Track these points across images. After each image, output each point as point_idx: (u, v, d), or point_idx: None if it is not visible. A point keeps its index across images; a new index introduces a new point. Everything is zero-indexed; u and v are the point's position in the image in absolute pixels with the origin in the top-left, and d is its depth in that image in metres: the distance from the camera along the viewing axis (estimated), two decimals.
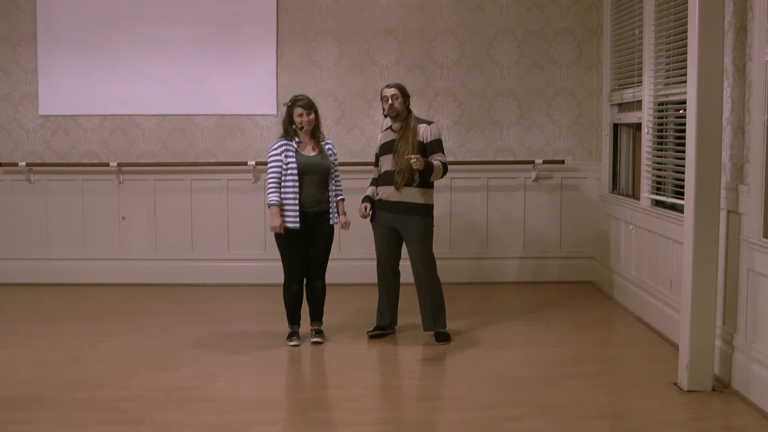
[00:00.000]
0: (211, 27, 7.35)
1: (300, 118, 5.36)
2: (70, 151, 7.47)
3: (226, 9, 7.33)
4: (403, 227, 5.48)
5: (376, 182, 5.61)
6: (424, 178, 5.38)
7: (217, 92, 7.40)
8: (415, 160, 5.20)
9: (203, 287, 7.36)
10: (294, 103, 5.40)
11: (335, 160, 5.52)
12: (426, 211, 5.49)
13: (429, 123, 5.54)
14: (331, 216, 5.45)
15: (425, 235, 5.49)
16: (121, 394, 4.50)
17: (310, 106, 5.41)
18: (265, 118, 7.44)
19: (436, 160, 5.40)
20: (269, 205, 5.33)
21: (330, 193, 5.46)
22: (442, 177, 5.49)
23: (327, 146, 5.49)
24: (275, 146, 5.39)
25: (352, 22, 7.37)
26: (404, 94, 5.47)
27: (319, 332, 5.56)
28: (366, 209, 5.52)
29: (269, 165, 5.36)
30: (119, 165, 7.40)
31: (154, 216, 7.49)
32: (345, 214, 5.54)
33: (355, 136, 7.35)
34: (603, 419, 4.22)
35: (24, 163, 7.39)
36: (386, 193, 5.48)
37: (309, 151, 5.40)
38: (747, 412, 4.23)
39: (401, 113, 5.46)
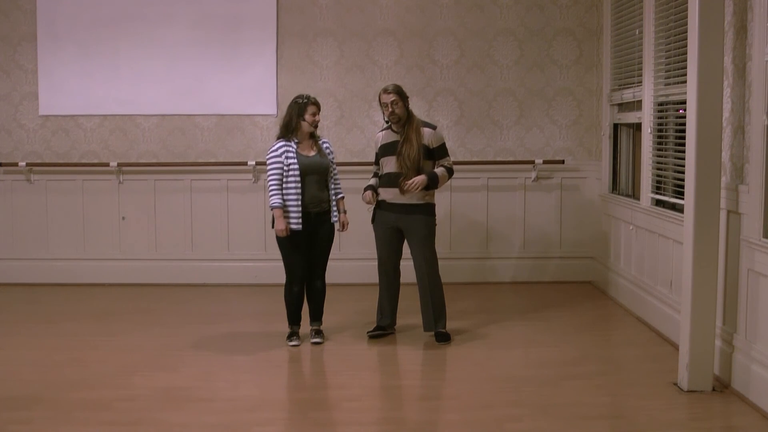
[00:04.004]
0: (211, 27, 7.35)
1: (313, 117, 5.36)
2: (70, 151, 7.47)
3: (226, 9, 7.33)
4: (406, 226, 5.48)
5: (377, 176, 5.61)
6: (430, 188, 5.42)
7: (217, 92, 7.40)
8: (412, 187, 5.29)
9: (203, 287, 7.36)
10: (309, 101, 5.38)
11: (333, 158, 5.53)
12: (429, 210, 5.51)
13: (433, 127, 5.55)
14: (332, 215, 5.45)
15: (429, 233, 5.50)
16: (121, 394, 4.50)
17: (320, 107, 5.45)
18: (265, 118, 7.44)
19: (440, 168, 5.46)
20: (272, 208, 5.30)
21: (330, 192, 5.47)
22: (447, 181, 5.54)
23: (324, 145, 5.49)
24: (275, 147, 5.36)
25: (352, 22, 7.37)
26: (403, 97, 5.46)
27: (318, 332, 5.56)
28: (371, 195, 5.48)
29: (270, 167, 5.32)
30: (119, 165, 7.40)
31: (154, 216, 7.49)
32: (345, 212, 5.54)
33: (355, 136, 7.36)
34: (603, 419, 4.22)
35: (24, 163, 7.39)
36: (389, 195, 5.47)
37: (308, 151, 5.40)
38: (747, 412, 4.23)
39: (402, 117, 5.46)
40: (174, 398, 4.47)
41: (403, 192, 5.38)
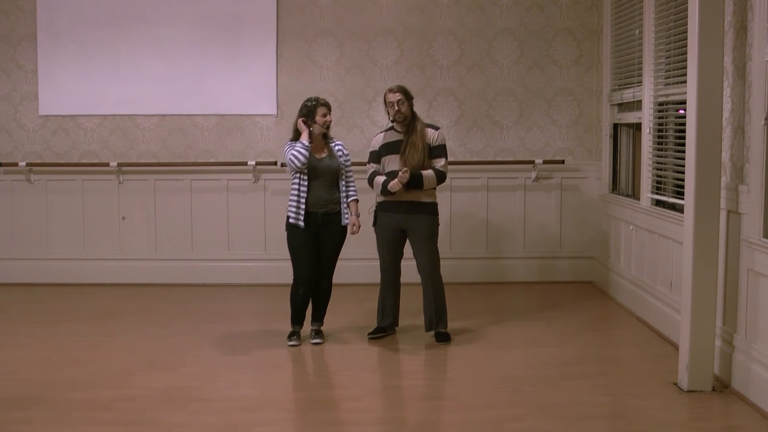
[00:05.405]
0: (211, 27, 7.34)
1: (324, 118, 5.36)
2: (70, 151, 7.47)
3: (226, 9, 7.33)
4: (410, 226, 5.48)
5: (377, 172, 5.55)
6: (410, 186, 5.34)
7: (217, 92, 7.40)
8: (402, 173, 5.25)
9: (203, 287, 7.36)
10: (318, 102, 5.39)
11: (347, 161, 5.52)
12: (433, 209, 5.51)
13: (436, 128, 5.55)
14: (342, 216, 5.46)
15: (432, 233, 5.51)
16: (121, 394, 4.50)
17: (330, 108, 5.45)
18: (265, 118, 7.44)
19: (429, 169, 5.39)
20: (295, 143, 5.29)
21: (341, 194, 5.46)
22: (437, 185, 5.47)
23: (337, 147, 5.50)
24: (288, 145, 5.38)
25: (352, 22, 7.37)
26: (408, 97, 5.47)
27: (318, 333, 5.57)
28: (403, 174, 5.27)
29: (286, 151, 5.32)
30: (119, 165, 7.40)
31: (154, 216, 7.49)
32: (358, 215, 5.54)
33: (355, 136, 7.35)
34: (603, 419, 4.22)
35: (24, 163, 7.39)
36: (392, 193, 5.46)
37: (319, 153, 5.41)
38: (747, 412, 4.23)
39: (408, 117, 5.46)
40: (174, 398, 4.47)
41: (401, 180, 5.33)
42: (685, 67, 4.70)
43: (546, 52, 7.38)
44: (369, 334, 5.65)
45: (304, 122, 5.31)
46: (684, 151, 4.77)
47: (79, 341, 5.60)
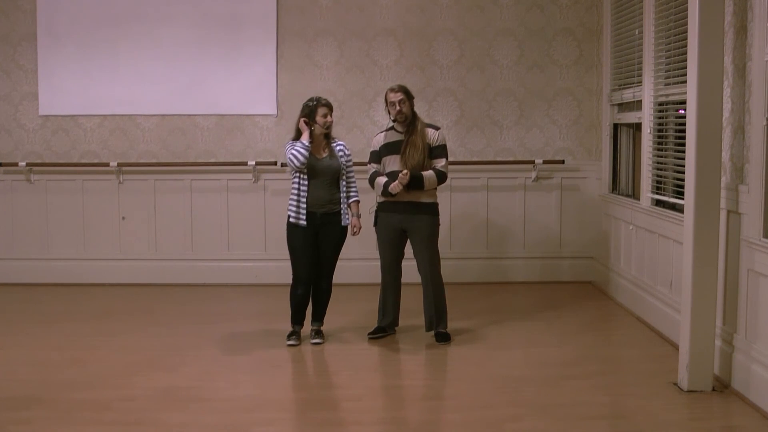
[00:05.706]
0: (211, 27, 7.35)
1: (324, 119, 5.36)
2: (70, 151, 7.48)
3: (226, 9, 7.33)
4: (411, 226, 5.47)
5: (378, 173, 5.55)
6: (411, 187, 5.34)
7: (217, 92, 7.40)
8: (403, 175, 5.25)
9: (203, 287, 7.36)
10: (318, 102, 5.39)
11: (348, 161, 5.52)
12: (433, 209, 5.51)
13: (437, 128, 5.55)
14: (342, 217, 5.45)
15: (432, 233, 5.51)
16: (121, 394, 4.51)
17: (331, 108, 5.44)
18: (265, 118, 7.44)
19: (429, 170, 5.39)
20: (295, 144, 5.29)
21: (342, 194, 5.46)
22: (438, 185, 5.47)
23: (338, 147, 5.49)
24: (289, 144, 5.39)
25: (352, 22, 7.37)
26: (409, 96, 5.47)
27: (318, 333, 5.57)
28: (403, 176, 5.27)
29: (287, 150, 5.32)
30: (119, 165, 7.40)
31: (154, 216, 7.49)
32: (359, 216, 5.54)
33: (355, 136, 7.35)
34: (603, 419, 4.22)
35: (24, 163, 7.39)
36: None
37: (319, 153, 5.41)
38: (747, 412, 4.23)
39: (409, 117, 5.46)
40: (174, 398, 4.47)
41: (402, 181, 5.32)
42: (685, 67, 4.70)
43: (546, 52, 7.38)
44: (369, 334, 5.65)
45: (306, 122, 5.32)
46: (684, 151, 4.77)
47: (79, 341, 5.61)
